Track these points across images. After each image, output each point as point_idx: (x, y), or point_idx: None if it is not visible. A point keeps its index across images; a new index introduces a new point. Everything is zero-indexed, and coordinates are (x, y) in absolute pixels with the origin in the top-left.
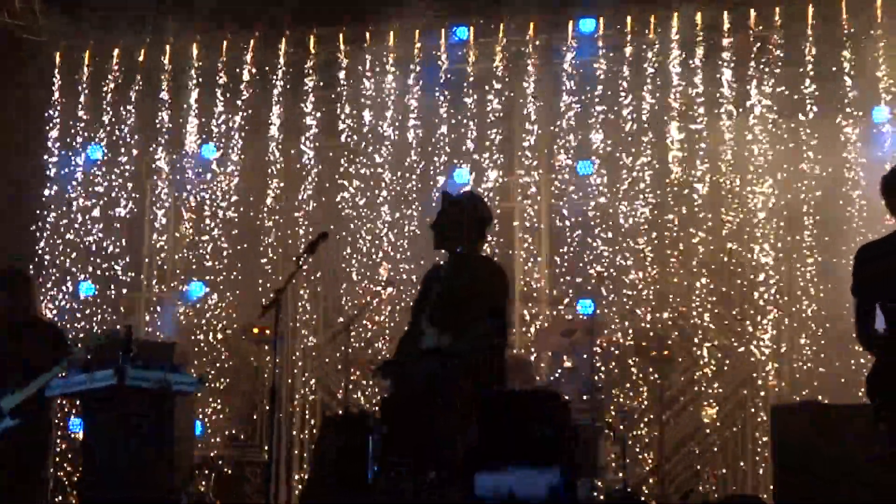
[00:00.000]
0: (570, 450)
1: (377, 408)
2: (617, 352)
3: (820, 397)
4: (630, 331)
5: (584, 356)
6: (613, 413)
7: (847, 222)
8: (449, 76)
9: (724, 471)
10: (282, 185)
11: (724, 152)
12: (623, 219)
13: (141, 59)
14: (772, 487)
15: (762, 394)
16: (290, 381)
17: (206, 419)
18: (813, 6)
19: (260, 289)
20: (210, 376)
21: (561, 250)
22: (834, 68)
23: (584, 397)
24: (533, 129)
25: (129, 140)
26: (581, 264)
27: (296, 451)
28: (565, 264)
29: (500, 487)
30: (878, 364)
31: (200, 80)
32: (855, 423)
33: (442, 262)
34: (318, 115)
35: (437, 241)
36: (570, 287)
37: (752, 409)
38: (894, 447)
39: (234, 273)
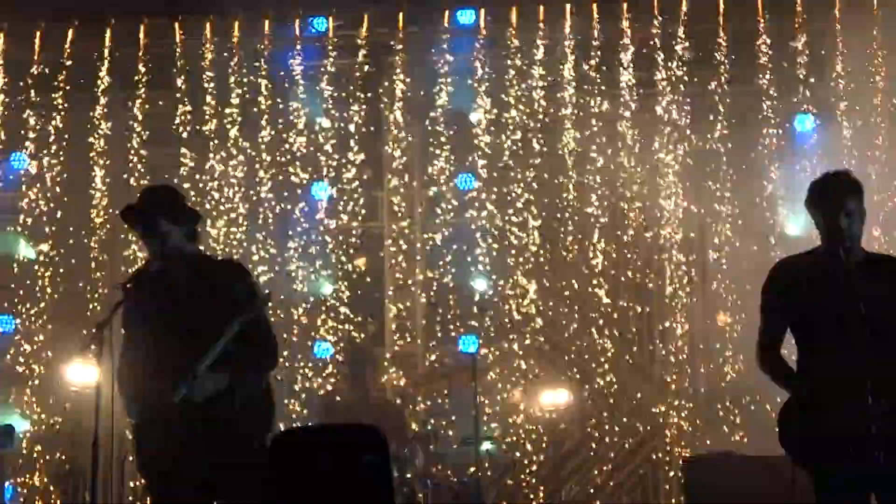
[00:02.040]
0: (385, 489)
1: None
2: (502, 396)
3: (734, 445)
4: (517, 373)
5: (466, 402)
6: (500, 468)
7: (767, 246)
8: (305, 74)
9: None
10: (109, 200)
11: (627, 164)
12: (511, 240)
13: None
14: None
15: (670, 448)
16: (118, 430)
17: (20, 479)
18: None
19: (84, 322)
20: (23, 428)
21: (438, 278)
22: (751, 71)
23: (466, 449)
24: (403, 136)
25: None
26: (462, 293)
27: None
28: (443, 293)
29: None
30: (791, 400)
31: (7, 75)
32: (772, 474)
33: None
34: (150, 119)
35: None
36: (449, 321)
37: (660, 462)
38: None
39: (52, 303)
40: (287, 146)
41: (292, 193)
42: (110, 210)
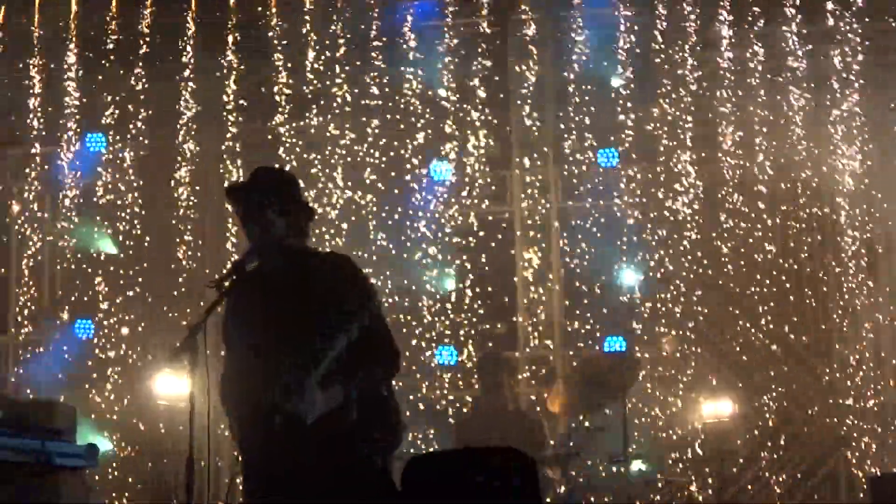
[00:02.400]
0: None
1: None
2: (656, 407)
3: None
4: (672, 379)
5: (614, 411)
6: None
7: None
8: (419, 36)
9: None
10: (197, 183)
11: (797, 133)
12: (662, 224)
13: None
14: None
15: (853, 466)
16: (216, 444)
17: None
18: None
19: (171, 323)
20: (109, 444)
21: (578, 269)
22: None
23: (613, 468)
24: (534, 105)
25: None
26: (606, 287)
27: None
28: (584, 287)
29: None
30: None
31: (81, 47)
32: None
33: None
34: (243, 92)
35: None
36: (592, 318)
37: (841, 483)
38: None
39: (136, 303)
40: (400, 119)
41: (407, 173)
42: (198, 194)
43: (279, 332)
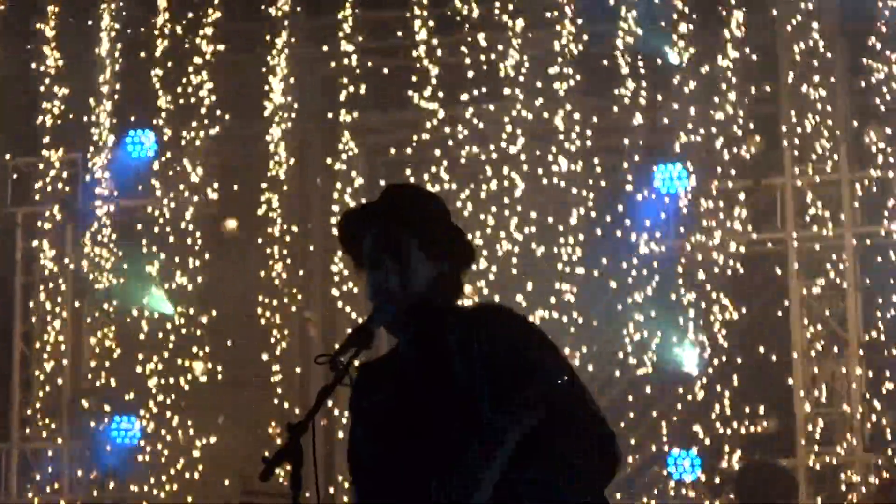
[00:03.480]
0: None
1: None
2: None
3: None
4: None
5: None
6: None
7: None
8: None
9: None
10: (293, 203)
11: None
12: None
13: None
14: None
15: None
16: None
17: None
18: None
19: (261, 422)
20: None
21: (886, 329)
22: None
23: None
24: (816, 79)
25: None
26: None
27: None
28: None
29: None
30: None
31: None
32: None
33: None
34: (365, 68)
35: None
36: None
37: None
38: None
39: (203, 392)
40: (608, 101)
41: (620, 182)
42: (293, 219)
43: (440, 459)
